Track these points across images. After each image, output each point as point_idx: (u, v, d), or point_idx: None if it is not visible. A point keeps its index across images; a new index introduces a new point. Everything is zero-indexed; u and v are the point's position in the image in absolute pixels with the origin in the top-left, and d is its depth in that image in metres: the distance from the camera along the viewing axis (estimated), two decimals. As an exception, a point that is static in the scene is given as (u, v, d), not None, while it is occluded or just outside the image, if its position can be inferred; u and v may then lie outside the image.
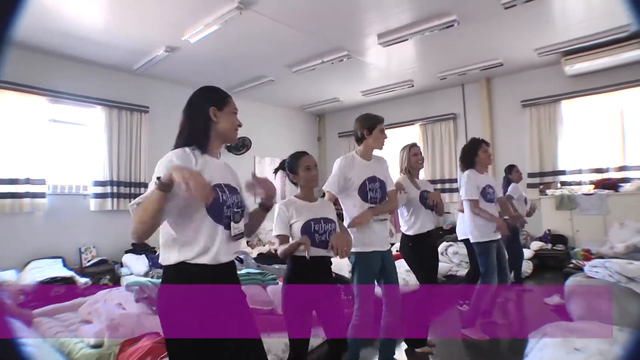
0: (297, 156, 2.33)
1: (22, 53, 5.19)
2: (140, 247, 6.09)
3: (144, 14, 4.58)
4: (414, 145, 3.36)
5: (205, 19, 4.68)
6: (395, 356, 2.82)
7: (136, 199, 1.40)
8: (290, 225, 2.21)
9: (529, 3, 4.39)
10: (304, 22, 4.91)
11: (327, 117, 10.11)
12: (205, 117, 1.62)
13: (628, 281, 3.13)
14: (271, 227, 2.30)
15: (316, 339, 2.86)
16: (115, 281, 5.37)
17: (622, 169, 6.23)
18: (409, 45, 5.59)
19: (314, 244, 2.17)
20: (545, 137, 6.90)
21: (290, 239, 2.21)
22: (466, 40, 5.60)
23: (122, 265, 5.77)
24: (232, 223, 1.59)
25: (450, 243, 5.86)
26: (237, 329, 1.56)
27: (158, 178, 1.35)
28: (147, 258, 5.59)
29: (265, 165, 8.57)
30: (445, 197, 7.47)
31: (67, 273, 4.73)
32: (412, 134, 8.28)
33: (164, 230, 1.52)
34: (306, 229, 2.19)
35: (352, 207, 2.62)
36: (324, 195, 2.63)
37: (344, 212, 2.68)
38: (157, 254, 5.74)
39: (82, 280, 4.73)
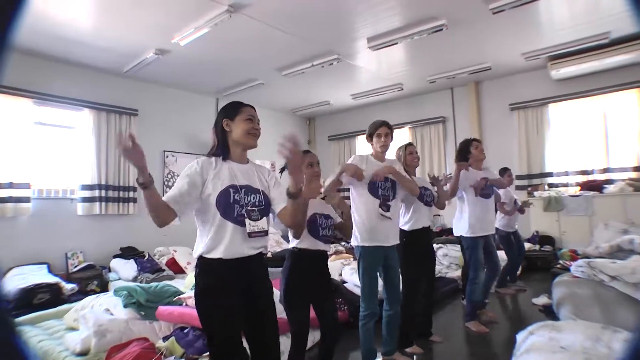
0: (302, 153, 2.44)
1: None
2: (129, 252, 6.04)
3: (134, 16, 4.56)
4: (409, 144, 3.51)
5: (195, 22, 4.67)
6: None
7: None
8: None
9: (516, 9, 4.46)
10: (294, 25, 4.92)
11: (318, 120, 10.13)
12: (221, 129, 1.84)
13: (611, 280, 3.19)
14: (271, 231, 2.35)
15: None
16: (103, 287, 5.31)
17: (606, 170, 6.34)
18: (398, 49, 5.64)
19: (317, 237, 2.34)
20: (532, 139, 6.99)
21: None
22: (455, 45, 5.67)
23: (110, 270, 5.72)
24: (247, 221, 1.72)
25: (440, 245, 5.90)
26: (249, 319, 1.74)
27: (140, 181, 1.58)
28: (136, 263, 5.53)
29: (255, 168, 8.53)
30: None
31: (52, 279, 4.63)
32: (402, 137, 8.31)
33: (198, 231, 1.77)
34: (312, 222, 2.32)
35: (361, 203, 2.80)
36: (324, 197, 2.69)
37: (352, 209, 2.84)
38: (145, 258, 5.71)
39: (68, 286, 4.64)
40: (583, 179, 6.51)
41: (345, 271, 4.38)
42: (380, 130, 2.91)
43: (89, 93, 6.02)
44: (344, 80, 7.15)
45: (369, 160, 2.89)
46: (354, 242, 2.81)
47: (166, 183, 7.01)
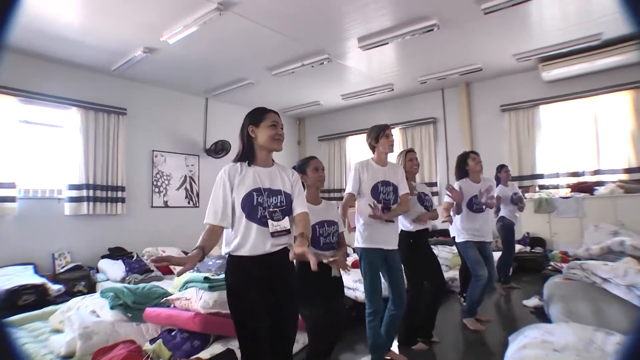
0: (308, 158, 2.62)
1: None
2: (117, 252, 5.95)
3: (122, 13, 4.48)
4: (410, 150, 3.52)
5: (184, 20, 4.61)
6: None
7: (211, 199, 1.90)
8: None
9: (508, 9, 4.46)
10: (284, 24, 4.88)
11: (308, 120, 10.09)
12: (247, 136, 1.96)
13: (603, 282, 3.19)
14: None
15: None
16: (91, 287, 5.22)
17: (596, 172, 6.38)
18: (389, 49, 5.62)
19: (318, 247, 2.41)
20: (523, 141, 7.01)
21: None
22: (446, 45, 5.66)
23: (98, 271, 5.63)
24: (270, 221, 1.86)
25: (431, 246, 5.88)
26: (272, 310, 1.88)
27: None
28: (124, 263, 5.44)
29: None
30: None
31: (38, 280, 4.53)
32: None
33: (225, 231, 1.92)
34: (312, 233, 2.32)
35: (365, 206, 2.86)
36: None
37: (356, 211, 2.96)
38: (134, 259, 5.63)
39: (54, 287, 4.54)
40: (574, 180, 6.54)
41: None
42: (388, 131, 2.99)
43: (77, 91, 5.92)
44: (334, 80, 7.12)
45: (370, 165, 2.96)
46: (355, 243, 2.94)
47: (155, 183, 6.92)
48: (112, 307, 3.18)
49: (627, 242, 4.33)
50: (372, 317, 2.81)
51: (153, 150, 6.97)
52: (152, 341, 2.90)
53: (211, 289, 2.98)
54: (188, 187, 7.43)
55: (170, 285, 3.93)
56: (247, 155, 1.96)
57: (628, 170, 6.07)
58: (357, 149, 8.99)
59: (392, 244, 2.92)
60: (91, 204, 5.99)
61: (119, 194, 6.33)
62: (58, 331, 3.11)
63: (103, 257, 5.84)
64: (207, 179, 7.56)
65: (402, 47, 5.68)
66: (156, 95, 7.04)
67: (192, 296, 2.90)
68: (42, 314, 3.49)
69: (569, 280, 3.51)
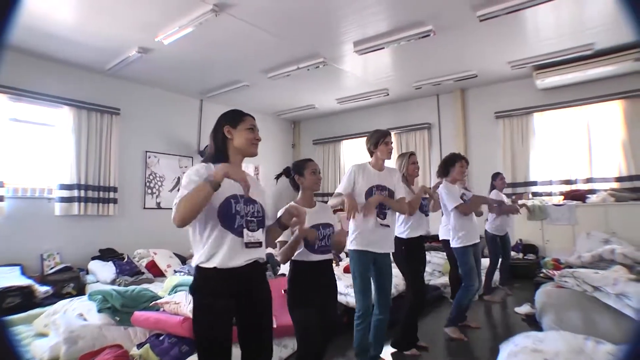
0: (305, 160, 2.59)
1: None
2: (108, 254, 5.89)
3: (117, 12, 4.44)
4: (412, 154, 3.52)
5: (179, 21, 4.58)
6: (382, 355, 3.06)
7: (179, 196, 1.64)
8: (292, 232, 2.28)
9: (503, 17, 4.47)
10: (280, 27, 4.87)
11: (303, 123, 10.08)
12: (222, 136, 1.85)
13: (594, 290, 3.19)
14: None
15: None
16: (80, 289, 5.15)
17: (589, 180, 6.41)
18: (385, 53, 5.62)
19: (313, 250, 2.36)
20: (517, 148, 7.04)
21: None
22: (441, 51, 5.67)
23: (87, 273, 5.56)
24: (245, 231, 1.74)
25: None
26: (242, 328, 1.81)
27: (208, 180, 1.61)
28: (115, 265, 5.39)
29: (239, 171, 8.46)
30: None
31: (24, 282, 4.46)
32: (388, 143, 8.32)
33: (193, 239, 1.76)
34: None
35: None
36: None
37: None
38: (125, 260, 5.57)
39: (42, 289, 4.45)
40: (567, 188, 6.57)
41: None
42: (388, 139, 3.00)
43: (69, 90, 5.86)
44: (329, 84, 7.11)
45: (367, 169, 2.96)
46: (348, 245, 2.87)
47: (147, 184, 6.86)
48: (99, 311, 3.13)
49: (617, 250, 4.35)
50: (361, 320, 2.81)
51: (146, 151, 6.92)
52: (140, 346, 2.86)
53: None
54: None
55: (160, 288, 3.88)
56: (221, 157, 1.83)
57: (619, 179, 6.12)
58: (352, 153, 8.98)
59: (384, 247, 2.89)
60: (82, 204, 5.92)
61: (111, 194, 6.27)
62: (42, 335, 3.05)
63: (93, 258, 5.78)
64: (200, 180, 7.44)
65: (397, 52, 5.68)
66: (150, 96, 6.99)
67: (182, 300, 2.86)
68: (27, 317, 3.41)
69: (561, 288, 3.51)
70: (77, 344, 2.68)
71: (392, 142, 3.03)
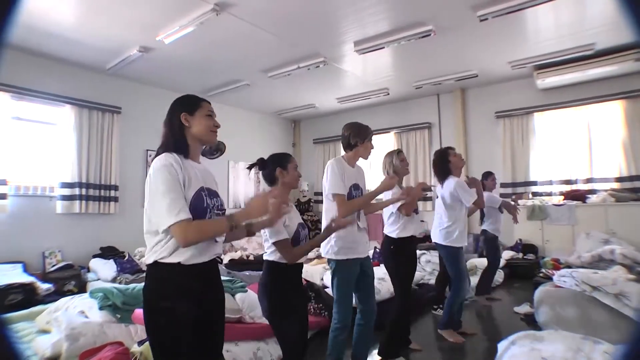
0: (286, 154, 2.37)
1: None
2: (109, 252, 5.91)
3: (118, 11, 4.46)
4: (400, 151, 3.39)
5: (180, 20, 4.60)
6: None
7: (169, 206, 1.51)
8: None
9: (503, 17, 4.49)
10: (281, 26, 4.88)
11: (303, 123, 10.10)
12: (179, 124, 1.69)
13: (592, 290, 3.20)
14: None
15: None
16: (81, 287, 5.18)
17: (589, 180, 6.43)
18: (385, 53, 5.63)
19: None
20: (518, 148, 7.05)
21: None
22: (442, 51, 5.68)
23: (89, 270, 5.59)
24: None
25: (423, 251, 5.89)
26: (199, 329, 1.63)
27: (231, 220, 1.58)
28: (116, 263, 5.41)
29: (239, 170, 8.50)
30: (420, 205, 7.52)
31: (26, 279, 4.48)
32: (388, 142, 8.34)
33: (148, 237, 1.59)
34: (296, 235, 2.20)
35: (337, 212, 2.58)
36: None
37: (324, 217, 2.67)
38: (125, 258, 5.59)
39: (43, 287, 4.49)
40: (567, 188, 6.59)
41: (327, 276, 4.34)
42: (372, 137, 2.80)
43: (71, 89, 5.89)
44: (329, 83, 7.13)
45: (345, 165, 2.68)
46: (328, 254, 2.61)
47: (149, 183, 6.87)
48: (101, 308, 3.14)
49: (617, 250, 4.36)
50: (340, 332, 2.57)
51: (147, 150, 6.94)
52: (140, 343, 2.87)
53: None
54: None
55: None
56: (181, 146, 1.67)
57: (619, 179, 6.14)
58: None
59: (366, 250, 2.72)
60: (84, 202, 5.95)
61: (112, 193, 6.29)
62: (44, 332, 3.06)
63: (94, 256, 5.80)
64: (201, 179, 7.48)
65: (398, 52, 5.70)
66: (151, 95, 7.01)
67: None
68: (29, 314, 3.43)
69: (559, 288, 3.52)
70: (79, 340, 2.69)
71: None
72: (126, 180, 6.56)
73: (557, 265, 5.41)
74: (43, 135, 5.82)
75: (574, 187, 6.54)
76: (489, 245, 5.02)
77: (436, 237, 3.67)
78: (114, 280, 5.11)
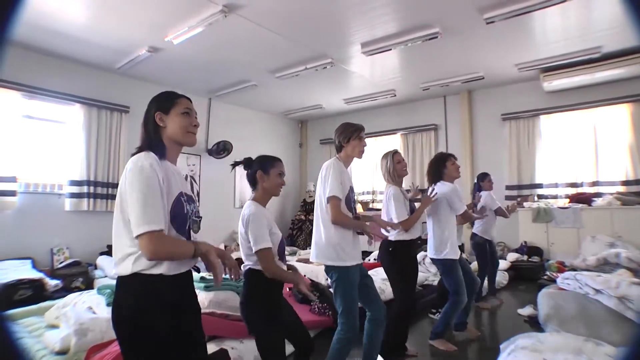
0: (274, 158, 2.24)
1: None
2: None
3: (127, 12, 4.52)
4: (396, 152, 3.28)
5: (189, 21, 4.65)
6: None
7: (150, 205, 1.38)
8: None
9: (510, 20, 4.50)
10: (289, 28, 4.92)
11: (310, 123, 10.14)
12: (154, 124, 1.56)
13: (596, 293, 3.20)
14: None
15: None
16: (89, 284, 5.23)
17: (595, 184, 6.41)
18: (392, 55, 5.65)
19: (281, 257, 2.18)
20: (523, 150, 7.04)
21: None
22: (448, 53, 5.70)
23: (96, 268, 5.64)
24: (192, 233, 1.55)
25: (426, 253, 5.87)
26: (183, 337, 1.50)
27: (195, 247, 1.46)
28: (122, 261, 5.46)
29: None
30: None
31: (35, 275, 4.56)
32: (394, 143, 8.36)
33: (120, 243, 1.45)
34: (281, 245, 2.16)
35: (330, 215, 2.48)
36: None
37: (321, 227, 2.53)
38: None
39: (52, 283, 4.55)
40: (572, 191, 6.57)
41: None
42: (362, 134, 2.66)
43: (80, 88, 5.96)
44: (337, 84, 7.16)
45: (342, 167, 2.61)
46: (329, 262, 2.47)
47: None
48: (108, 304, 3.19)
49: (622, 254, 4.36)
50: (347, 343, 2.41)
51: (154, 149, 6.99)
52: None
53: (206, 289, 3.01)
54: (189, 187, 7.43)
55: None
56: (158, 148, 1.52)
57: (626, 183, 6.11)
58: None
59: (361, 255, 2.63)
60: (92, 200, 6.02)
61: (120, 191, 6.35)
62: (53, 327, 3.11)
63: (102, 253, 5.87)
64: (208, 179, 7.61)
65: (405, 54, 5.72)
66: (159, 94, 7.06)
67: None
68: (38, 309, 3.49)
69: (563, 290, 3.53)
70: (87, 335, 2.74)
71: (364, 138, 2.68)
72: (134, 178, 6.61)
73: (562, 267, 5.39)
74: (52, 134, 5.91)
75: (579, 190, 6.51)
76: (477, 250, 4.85)
77: (431, 252, 3.55)
78: (120, 277, 5.16)
